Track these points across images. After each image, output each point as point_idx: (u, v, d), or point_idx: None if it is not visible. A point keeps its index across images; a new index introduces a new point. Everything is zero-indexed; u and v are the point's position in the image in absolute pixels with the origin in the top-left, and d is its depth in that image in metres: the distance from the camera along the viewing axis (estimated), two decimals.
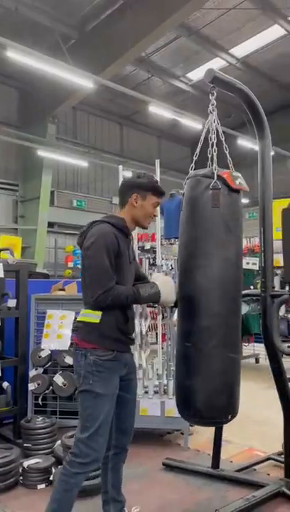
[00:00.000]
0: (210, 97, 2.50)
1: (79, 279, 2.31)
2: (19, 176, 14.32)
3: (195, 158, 2.49)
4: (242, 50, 13.21)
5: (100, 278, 2.11)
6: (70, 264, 14.72)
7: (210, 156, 2.43)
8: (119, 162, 16.74)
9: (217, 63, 13.86)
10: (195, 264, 2.32)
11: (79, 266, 14.34)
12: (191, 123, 11.51)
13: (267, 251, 2.70)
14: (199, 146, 2.44)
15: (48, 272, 14.30)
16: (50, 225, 14.57)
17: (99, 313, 2.14)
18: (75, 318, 3.02)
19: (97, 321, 2.14)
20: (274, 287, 2.78)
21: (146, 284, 2.27)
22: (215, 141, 2.47)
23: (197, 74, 14.61)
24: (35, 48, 8.69)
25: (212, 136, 2.49)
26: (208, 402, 2.27)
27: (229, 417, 2.31)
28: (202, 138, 2.45)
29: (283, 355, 2.66)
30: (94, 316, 2.15)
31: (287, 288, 3.35)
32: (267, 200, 2.71)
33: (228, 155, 2.50)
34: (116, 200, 17.12)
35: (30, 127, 13.19)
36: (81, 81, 8.87)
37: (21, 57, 7.70)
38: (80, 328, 2.20)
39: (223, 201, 2.32)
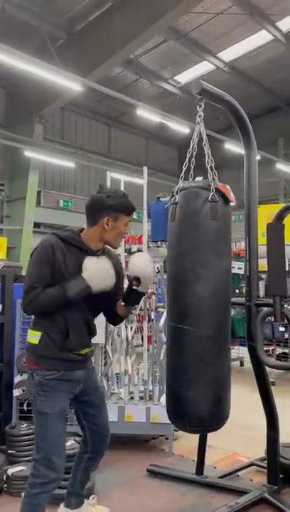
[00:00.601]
0: (198, 109, 2.53)
1: None
2: (5, 176, 14.22)
3: (184, 168, 2.50)
4: (230, 54, 13.34)
5: (26, 282, 2.09)
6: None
7: (208, 166, 2.45)
8: (106, 163, 16.74)
9: (204, 67, 13.98)
10: (194, 275, 2.31)
11: None
12: (178, 127, 11.56)
13: (252, 261, 2.74)
14: (187, 159, 2.45)
15: None
16: (36, 225, 14.50)
17: (38, 333, 2.13)
18: None
19: (36, 342, 2.14)
20: (258, 296, 2.83)
21: (73, 280, 2.09)
22: (209, 151, 2.50)
23: (185, 77, 14.71)
24: (22, 48, 8.64)
25: (201, 145, 2.52)
26: (200, 410, 2.31)
27: (221, 424, 2.37)
28: (191, 149, 2.47)
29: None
30: (33, 337, 2.16)
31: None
32: (252, 213, 2.75)
33: (214, 167, 2.52)
34: None
35: (16, 127, 13.12)
36: (69, 83, 8.83)
37: (8, 58, 7.64)
38: (26, 348, 2.23)
39: (220, 213, 2.36)
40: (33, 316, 2.25)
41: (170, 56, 13.36)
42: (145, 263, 2.25)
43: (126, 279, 2.35)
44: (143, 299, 2.98)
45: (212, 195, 2.33)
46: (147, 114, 10.63)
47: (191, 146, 2.47)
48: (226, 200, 2.36)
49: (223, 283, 2.36)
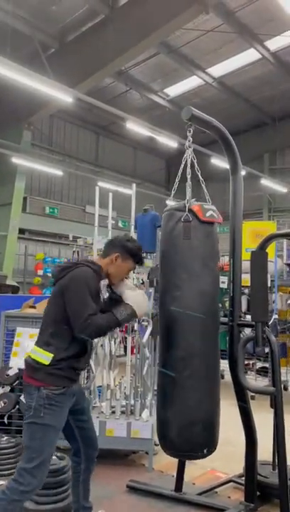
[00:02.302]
0: (187, 134, 2.61)
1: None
2: None
3: (173, 192, 2.58)
4: (219, 70, 13.60)
5: (82, 309, 2.21)
6: (40, 272, 14.59)
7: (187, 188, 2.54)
8: (94, 172, 16.80)
9: (194, 81, 14.21)
10: (169, 295, 2.45)
11: (50, 275, 13.99)
12: (167, 141, 11.68)
13: (236, 282, 2.81)
14: (176, 182, 2.51)
15: (18, 278, 14.13)
16: (21, 231, 14.42)
17: (50, 355, 2.24)
18: None
19: (46, 362, 2.24)
20: (241, 316, 2.89)
21: (119, 306, 2.34)
22: (189, 176, 2.59)
23: (174, 90, 14.92)
24: (14, 55, 8.67)
25: (188, 169, 2.60)
26: (182, 434, 2.35)
27: (205, 451, 2.39)
28: (179, 173, 2.54)
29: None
30: (44, 357, 2.25)
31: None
32: (237, 234, 2.81)
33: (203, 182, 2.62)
34: (89, 208, 17.16)
35: (4, 133, 13.05)
36: (59, 94, 8.87)
37: None
38: (29, 365, 2.29)
39: (194, 233, 2.43)
40: (40, 335, 2.36)
41: (161, 69, 13.55)
42: (141, 305, 2.41)
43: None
44: None
45: (186, 215, 2.45)
46: (136, 127, 10.72)
47: (180, 171, 2.54)
48: (200, 219, 2.45)
49: (198, 304, 2.41)
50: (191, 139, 2.62)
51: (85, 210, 17.30)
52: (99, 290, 2.37)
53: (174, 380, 2.38)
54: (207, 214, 2.48)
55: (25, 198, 14.70)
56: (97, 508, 2.87)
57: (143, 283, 8.40)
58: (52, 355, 2.23)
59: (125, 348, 6.33)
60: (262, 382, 6.39)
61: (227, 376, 6.39)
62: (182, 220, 2.44)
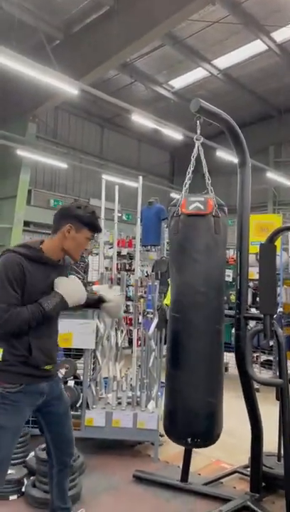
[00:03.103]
0: (197, 127, 2.62)
1: None
2: None
3: (184, 188, 2.62)
4: (225, 61, 13.49)
5: None
6: None
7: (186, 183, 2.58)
8: (98, 164, 16.76)
9: (199, 73, 14.11)
10: (166, 290, 2.53)
11: None
12: (172, 133, 11.64)
13: (243, 274, 2.81)
14: (188, 177, 2.52)
15: None
16: (26, 224, 14.45)
17: (0, 350, 2.08)
18: None
19: None
20: (247, 309, 2.90)
21: (47, 296, 2.11)
22: (190, 170, 2.61)
23: (179, 82, 14.82)
24: (19, 46, 8.64)
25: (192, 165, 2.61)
26: (191, 424, 2.43)
27: (189, 440, 2.46)
28: (190, 169, 2.55)
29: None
30: None
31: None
32: (244, 228, 2.81)
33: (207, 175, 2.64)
34: (93, 201, 17.15)
35: (9, 125, 13.04)
36: (64, 86, 8.84)
37: (3, 59, 7.62)
38: None
39: (180, 227, 2.52)
40: None
41: (166, 61, 13.46)
42: (120, 310, 2.45)
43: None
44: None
45: (176, 210, 2.52)
46: (141, 119, 10.68)
47: (190, 167, 2.56)
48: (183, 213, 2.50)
49: (182, 298, 2.51)
50: (201, 138, 2.64)
51: (90, 204, 17.32)
52: (33, 277, 2.08)
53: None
54: (191, 207, 2.52)
55: (29, 191, 14.72)
56: (101, 498, 2.91)
57: (147, 275, 8.44)
58: (1, 350, 2.07)
59: (130, 340, 6.38)
60: (267, 375, 6.42)
61: (231, 369, 6.44)
62: (174, 214, 2.54)
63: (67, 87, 8.96)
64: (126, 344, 6.70)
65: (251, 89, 15.19)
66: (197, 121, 2.58)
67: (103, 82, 13.45)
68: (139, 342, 4.15)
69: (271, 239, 2.64)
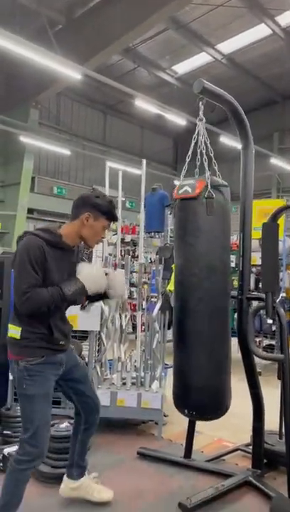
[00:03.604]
0: (200, 105, 2.62)
1: None
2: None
3: (183, 172, 2.64)
4: (228, 46, 13.34)
5: (20, 283, 2.12)
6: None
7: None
8: (101, 151, 16.70)
9: (203, 58, 13.97)
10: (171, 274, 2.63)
11: None
12: (175, 118, 11.57)
13: (246, 256, 2.84)
14: (188, 156, 2.54)
15: None
16: (30, 211, 14.47)
17: (19, 328, 2.21)
18: None
19: (17, 336, 2.22)
20: (250, 290, 2.94)
21: (69, 281, 2.21)
22: (189, 154, 2.65)
23: (183, 67, 14.67)
24: (21, 31, 8.58)
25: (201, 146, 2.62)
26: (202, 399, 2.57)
27: (219, 412, 2.61)
28: (190, 152, 2.57)
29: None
30: (14, 332, 2.24)
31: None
32: (247, 210, 2.84)
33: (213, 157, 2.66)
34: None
35: (11, 111, 12.98)
36: (67, 71, 8.78)
37: (5, 42, 7.57)
38: (8, 341, 2.30)
39: (176, 211, 2.65)
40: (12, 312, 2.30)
41: (169, 46, 13.32)
42: (123, 289, 2.50)
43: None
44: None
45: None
46: (145, 105, 10.62)
47: (191, 148, 2.58)
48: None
49: (180, 276, 2.65)
50: (203, 117, 2.65)
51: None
52: (50, 261, 2.18)
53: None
54: (181, 191, 2.60)
55: (33, 178, 14.71)
56: (107, 474, 2.99)
57: (151, 262, 8.48)
58: (20, 328, 2.21)
59: (133, 326, 6.45)
60: None
61: (234, 353, 6.53)
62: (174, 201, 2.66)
63: (70, 72, 8.91)
64: (130, 329, 6.79)
65: (255, 75, 15.03)
66: (200, 103, 2.58)
67: (106, 67, 13.34)
68: (143, 327, 4.21)
69: (274, 217, 2.67)
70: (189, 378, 2.63)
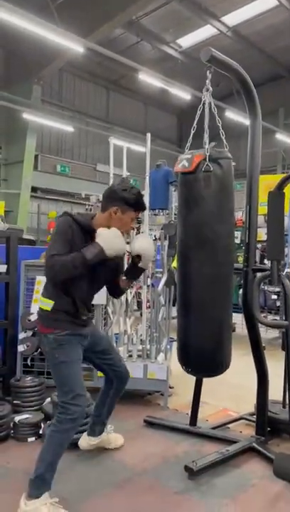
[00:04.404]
0: (208, 74, 2.60)
1: None
2: (2, 139, 14.03)
3: (188, 144, 2.63)
4: (234, 18, 13.06)
5: (50, 250, 2.31)
6: (53, 230, 14.72)
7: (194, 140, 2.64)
8: (104, 128, 16.53)
9: (207, 31, 13.68)
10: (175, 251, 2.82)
11: None
12: (180, 93, 11.41)
13: (252, 229, 2.86)
14: (193, 127, 2.52)
15: (31, 237, 14.28)
16: (33, 189, 14.44)
17: (51, 302, 2.40)
18: None
19: (48, 308, 2.41)
20: (256, 262, 2.97)
21: (88, 246, 2.34)
22: (195, 125, 2.66)
23: (187, 40, 14.39)
24: (22, 5, 8.40)
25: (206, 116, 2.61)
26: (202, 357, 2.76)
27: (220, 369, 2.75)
28: (195, 123, 2.56)
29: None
30: (46, 304, 2.42)
31: (268, 264, 3.55)
32: (254, 183, 2.84)
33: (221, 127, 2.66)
34: (100, 167, 17.03)
35: (14, 88, 12.84)
36: (69, 44, 8.64)
37: (7, 16, 7.44)
38: (39, 314, 2.50)
39: (179, 183, 2.75)
40: (44, 285, 2.49)
41: (173, 18, 13.02)
42: (147, 244, 2.59)
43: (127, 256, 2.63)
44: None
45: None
46: (148, 79, 10.46)
47: (195, 120, 2.58)
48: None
49: (179, 248, 2.80)
50: (210, 88, 2.62)
51: (96, 169, 17.18)
52: (77, 241, 2.36)
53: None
54: (180, 165, 2.65)
55: (36, 156, 14.63)
56: None
57: (155, 239, 8.48)
58: (52, 302, 2.40)
59: (138, 303, 6.49)
60: (273, 334, 6.55)
61: (239, 329, 6.56)
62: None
63: (73, 45, 8.77)
64: (136, 307, 6.84)
65: (260, 48, 14.73)
66: (208, 71, 2.56)
67: (109, 41, 13.08)
68: (148, 303, 4.26)
69: (280, 186, 2.67)
70: (188, 338, 2.85)
